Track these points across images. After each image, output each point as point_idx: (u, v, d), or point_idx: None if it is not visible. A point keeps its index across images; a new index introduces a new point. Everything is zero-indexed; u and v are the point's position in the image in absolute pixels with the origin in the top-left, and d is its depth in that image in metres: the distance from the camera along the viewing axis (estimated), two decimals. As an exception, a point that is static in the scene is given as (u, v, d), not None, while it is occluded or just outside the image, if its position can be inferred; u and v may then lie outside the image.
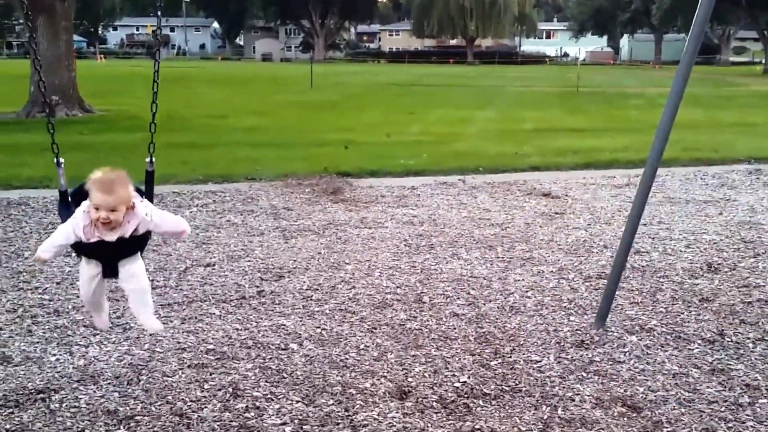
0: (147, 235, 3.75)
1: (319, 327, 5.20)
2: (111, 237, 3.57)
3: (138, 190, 3.73)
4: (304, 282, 6.16)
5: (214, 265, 6.61)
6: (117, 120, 18.26)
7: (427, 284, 6.18)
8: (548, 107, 24.55)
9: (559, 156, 13.11)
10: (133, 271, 3.76)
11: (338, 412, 4.05)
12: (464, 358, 4.74)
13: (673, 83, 4.77)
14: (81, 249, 3.67)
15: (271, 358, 4.68)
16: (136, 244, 3.72)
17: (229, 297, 5.76)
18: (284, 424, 3.91)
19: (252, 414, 4.01)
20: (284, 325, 5.21)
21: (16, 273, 6.17)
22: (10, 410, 3.94)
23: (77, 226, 3.54)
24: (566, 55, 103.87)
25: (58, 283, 5.95)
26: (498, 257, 7.04)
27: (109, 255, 3.67)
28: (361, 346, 4.90)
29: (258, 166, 11.62)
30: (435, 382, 4.42)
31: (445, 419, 4.00)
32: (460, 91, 29.04)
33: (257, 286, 6.02)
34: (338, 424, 3.92)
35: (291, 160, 12.43)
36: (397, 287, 6.09)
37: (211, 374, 4.45)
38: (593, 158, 12.93)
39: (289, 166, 11.76)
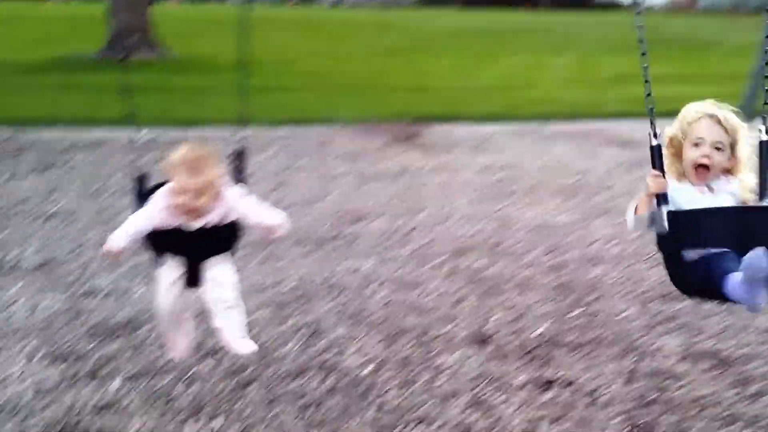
0: (235, 227, 3.20)
1: (396, 270, 5.18)
2: (194, 225, 3.08)
3: (233, 173, 3.31)
4: (380, 226, 6.14)
5: (290, 207, 6.62)
6: (192, 62, 18.42)
7: (504, 232, 6.10)
8: (626, 54, 23.72)
9: (637, 104, 12.65)
10: (219, 278, 3.18)
11: (418, 355, 4.04)
12: (544, 307, 4.66)
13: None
14: (157, 239, 3.15)
15: (350, 300, 4.69)
16: (223, 237, 3.19)
17: (308, 238, 5.78)
18: (364, 364, 3.92)
19: (332, 353, 4.03)
20: (362, 267, 5.21)
21: (100, 209, 6.32)
22: (99, 340, 4.05)
23: (155, 207, 3.08)
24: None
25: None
26: (577, 206, 6.88)
27: (189, 249, 3.14)
28: (439, 292, 4.87)
29: (332, 111, 11.59)
30: (515, 329, 4.37)
31: (526, 366, 3.95)
32: (533, 36, 28.34)
33: (335, 228, 6.03)
34: (418, 366, 3.91)
35: (365, 105, 12.36)
36: (474, 234, 6.02)
37: (290, 314, 4.48)
38: (674, 107, 12.44)
39: (364, 110, 11.69)
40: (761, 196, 2.77)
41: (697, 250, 2.69)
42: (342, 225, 6.14)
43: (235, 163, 3.42)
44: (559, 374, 3.87)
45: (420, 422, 3.42)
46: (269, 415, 3.46)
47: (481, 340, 4.23)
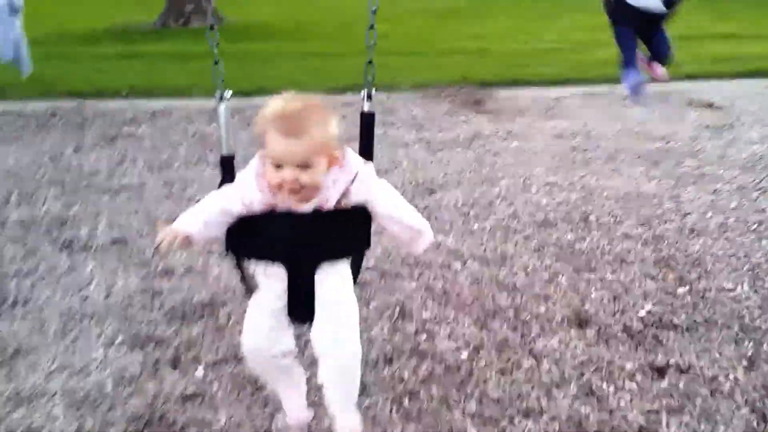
0: (362, 214, 2.32)
1: (481, 245, 4.90)
2: (304, 207, 2.23)
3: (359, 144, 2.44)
4: (458, 197, 5.85)
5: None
6: (249, 29, 18.20)
7: (590, 202, 5.75)
8: (692, 12, 22.78)
9: (716, 64, 12.05)
10: (336, 296, 2.34)
11: (514, 338, 3.77)
12: (645, 284, 4.34)
13: None
14: (244, 233, 2.27)
15: (435, 278, 4.43)
16: (346, 229, 2.30)
17: (383, 211, 5.52)
18: (459, 348, 3.67)
19: (422, 337, 3.78)
20: (444, 242, 4.93)
21: (169, 183, 6.15)
22: (178, 325, 3.86)
23: (245, 186, 2.24)
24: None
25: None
26: (665, 173, 6.48)
27: (293, 246, 2.24)
28: (529, 267, 4.57)
29: (391, 76, 11.24)
30: (616, 309, 4.06)
31: (633, 351, 3.65)
32: (593, -5, 27.44)
33: (409, 201, 5.73)
34: (517, 351, 3.64)
35: (425, 69, 11.97)
36: (558, 204, 5.69)
37: (373, 295, 4.24)
38: (756, 66, 11.81)
39: (423, 75, 11.31)
40: None
41: None
42: (418, 197, 5.86)
43: (361, 129, 2.57)
44: (671, 360, 3.56)
45: (527, 415, 3.16)
46: (361, 407, 3.23)
47: (581, 321, 3.94)
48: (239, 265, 2.56)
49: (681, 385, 3.36)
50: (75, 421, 3.10)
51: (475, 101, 9.58)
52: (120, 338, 3.72)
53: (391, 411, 3.20)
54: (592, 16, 20.65)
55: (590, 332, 3.83)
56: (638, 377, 3.43)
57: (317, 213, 2.24)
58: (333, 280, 2.34)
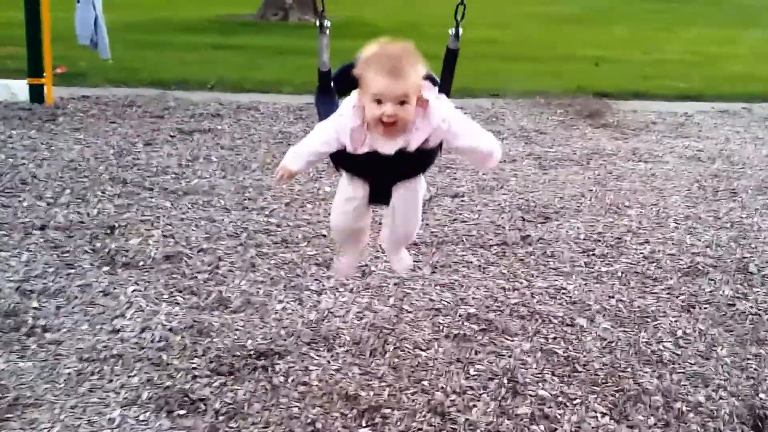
0: (436, 150, 2.63)
1: (613, 296, 3.88)
2: (388, 148, 2.51)
3: (430, 78, 2.58)
4: (578, 228, 4.83)
5: (463, 196, 5.43)
6: (350, 26, 17.47)
7: (745, 245, 4.64)
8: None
9: None
10: (408, 203, 2.76)
11: (667, 442, 2.76)
12: (839, 370, 3.24)
13: None
14: (343, 162, 2.68)
15: (555, 338, 3.45)
16: (422, 161, 2.66)
17: (488, 241, 4.56)
18: (590, 454, 2.68)
19: (542, 427, 2.81)
20: (565, 288, 3.94)
21: (241, 188, 5.35)
22: (223, 380, 3.00)
23: (343, 126, 2.51)
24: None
25: (287, 204, 5.04)
26: (835, 213, 5.28)
27: (381, 174, 2.65)
28: (678, 333, 3.53)
29: (500, 82, 10.23)
30: (803, 405, 2.99)
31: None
32: (714, 8, 25.55)
33: (520, 229, 4.77)
34: (672, 464, 2.64)
35: (537, 76, 10.89)
36: (707, 246, 4.60)
37: (476, 353, 3.29)
38: None
39: (535, 82, 10.23)
40: None
41: None
42: (529, 224, 4.88)
43: (444, 63, 2.77)
44: None
45: None
46: None
47: (758, 420, 2.89)
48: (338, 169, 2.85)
49: None
50: None
51: (592, 113, 8.48)
52: (146, 395, 2.88)
53: None
54: (719, 29, 19.19)
55: (770, 440, 2.78)
56: None
57: (400, 154, 2.52)
58: (408, 185, 2.72)
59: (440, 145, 2.62)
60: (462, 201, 5.32)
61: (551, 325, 3.55)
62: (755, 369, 3.25)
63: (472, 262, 4.23)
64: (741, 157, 6.81)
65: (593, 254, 4.42)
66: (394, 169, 2.62)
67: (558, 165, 6.41)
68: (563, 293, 3.88)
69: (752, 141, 7.49)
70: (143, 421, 2.73)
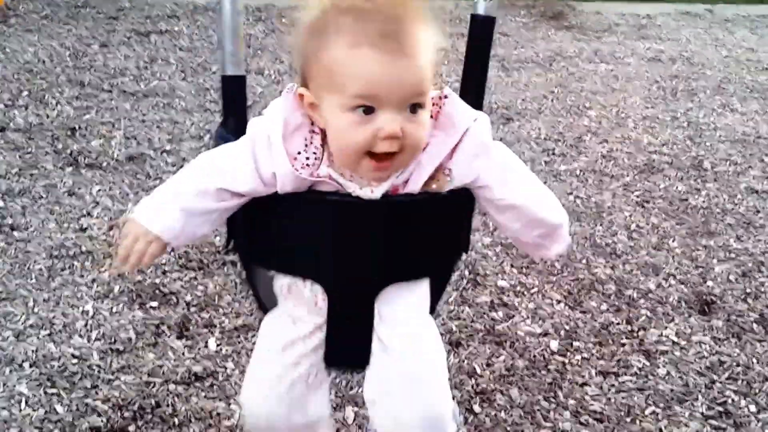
0: (465, 202, 1.43)
1: (571, 193, 3.99)
2: (365, 189, 1.30)
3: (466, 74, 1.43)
4: (539, 129, 4.90)
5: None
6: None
7: (701, 143, 4.77)
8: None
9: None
10: (416, 337, 1.43)
11: (618, 324, 2.91)
12: (783, 258, 3.42)
13: None
14: (266, 225, 1.36)
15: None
16: (437, 227, 1.39)
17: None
18: (546, 334, 2.84)
19: (500, 314, 2.94)
20: (525, 185, 4.03)
21: (202, 90, 5.30)
22: (193, 274, 3.07)
23: (271, 138, 1.29)
24: None
25: (249, 107, 5.00)
26: (786, 112, 5.43)
27: (351, 259, 1.34)
28: (632, 226, 3.67)
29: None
30: (747, 290, 3.17)
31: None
32: None
33: (482, 129, 4.82)
34: (622, 343, 2.80)
35: (500, -23, 10.74)
36: (663, 144, 4.72)
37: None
38: None
39: (498, -17, 10.10)
40: None
41: None
42: (492, 125, 4.91)
43: (470, 43, 1.60)
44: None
45: None
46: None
47: (703, 305, 3.06)
48: (247, 271, 1.61)
49: None
50: (42, 405, 2.36)
51: (555, 15, 8.45)
52: (117, 289, 2.95)
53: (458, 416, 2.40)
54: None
55: (717, 322, 2.95)
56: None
57: (392, 201, 1.25)
58: (403, 307, 1.35)
59: (469, 196, 1.42)
60: (425, 102, 5.34)
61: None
62: (704, 259, 3.41)
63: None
64: (701, 58, 6.89)
65: (553, 153, 4.51)
66: (381, 240, 1.32)
67: (521, 67, 6.42)
68: (523, 190, 3.97)
69: (712, 42, 7.55)
70: (116, 312, 2.80)
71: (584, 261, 3.34)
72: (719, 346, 2.81)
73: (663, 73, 6.33)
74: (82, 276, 3.01)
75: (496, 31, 5.76)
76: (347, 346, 1.35)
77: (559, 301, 3.03)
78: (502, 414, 2.43)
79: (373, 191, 1.27)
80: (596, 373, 2.63)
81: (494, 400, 2.48)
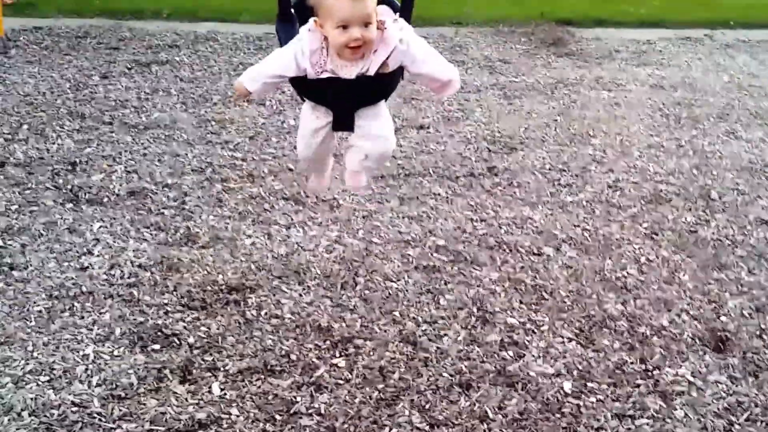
0: (397, 74, 2.50)
1: (578, 225, 3.94)
2: (349, 72, 2.40)
3: (388, 3, 2.49)
4: (543, 158, 4.86)
5: (428, 127, 5.41)
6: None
7: (707, 172, 4.72)
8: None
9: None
10: (375, 131, 2.59)
11: (632, 363, 2.84)
12: (797, 292, 3.36)
13: None
14: (303, 87, 2.55)
15: (522, 267, 3.50)
16: (383, 85, 2.53)
17: (454, 172, 4.57)
18: (559, 375, 2.77)
19: (510, 353, 2.87)
20: (531, 218, 3.99)
21: (203, 121, 5.26)
22: (196, 314, 3.01)
23: (302, 51, 2.39)
24: None
25: (251, 138, 4.98)
26: (793, 139, 5.39)
27: (343, 99, 2.53)
28: (642, 259, 3.61)
29: (461, 8, 10.09)
30: (762, 326, 3.11)
31: (795, 394, 2.71)
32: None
33: (486, 160, 4.79)
34: (636, 384, 2.73)
35: (499, 3, 10.77)
36: (669, 174, 4.67)
37: (445, 283, 3.34)
38: None
39: (497, 10, 10.13)
40: None
41: None
42: (495, 155, 4.89)
43: None
44: None
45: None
46: (431, 458, 2.36)
47: (718, 342, 3.00)
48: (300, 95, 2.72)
49: None
50: (42, 456, 2.29)
51: (555, 41, 8.45)
52: (119, 331, 2.88)
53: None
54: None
55: (733, 360, 2.89)
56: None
57: (360, 79, 2.40)
58: (371, 112, 2.58)
59: (401, 71, 2.48)
60: (428, 132, 5.31)
61: (518, 255, 3.60)
62: (717, 293, 3.35)
63: (439, 194, 4.25)
64: (703, 84, 6.86)
65: (559, 184, 4.46)
66: (356, 93, 2.50)
67: (522, 95, 6.40)
68: (530, 223, 3.92)
69: (714, 68, 7.54)
70: (118, 356, 2.74)
71: (594, 296, 3.28)
72: (736, 386, 2.74)
73: (665, 100, 6.31)
74: (82, 317, 2.95)
75: (497, 59, 5.72)
76: (343, 124, 2.57)
77: (570, 339, 2.97)
78: (516, 460, 2.35)
79: (351, 75, 2.38)
80: (612, 416, 2.56)
81: (509, 445, 2.41)
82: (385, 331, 2.98)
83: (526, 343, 2.94)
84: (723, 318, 3.15)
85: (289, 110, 5.42)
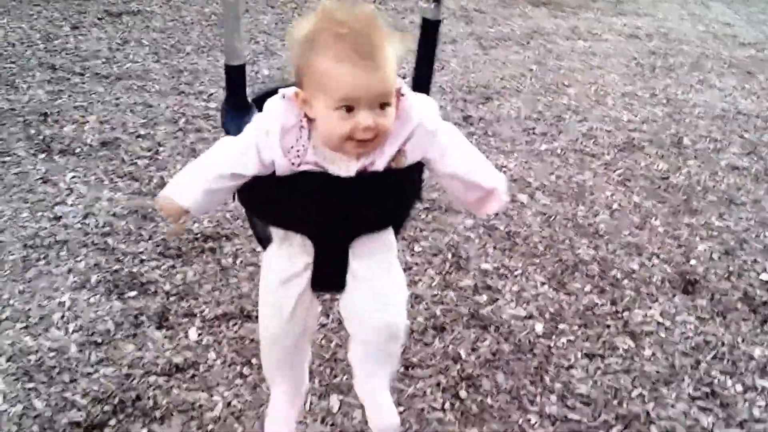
0: (417, 174, 1.73)
1: (552, 173, 3.97)
2: (344, 167, 1.58)
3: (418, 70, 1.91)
4: (518, 107, 4.87)
5: (404, 77, 5.37)
6: None
7: (680, 120, 4.76)
8: None
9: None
10: (380, 286, 1.75)
11: (603, 305, 2.90)
12: (763, 235, 3.42)
13: None
14: (266, 197, 1.66)
15: (496, 215, 3.52)
16: (398, 191, 1.70)
17: (430, 121, 4.56)
18: (531, 317, 2.82)
19: (484, 297, 2.92)
20: (506, 166, 4.01)
21: (176, 72, 5.20)
22: (171, 262, 3.01)
23: (267, 132, 1.56)
24: None
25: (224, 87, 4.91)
26: (763, 87, 5.43)
27: (332, 217, 1.65)
28: (614, 206, 3.66)
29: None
30: (730, 268, 3.17)
31: (759, 331, 2.78)
32: None
33: (461, 110, 4.79)
34: (607, 325, 2.79)
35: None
36: (643, 122, 4.70)
37: (420, 230, 3.37)
38: None
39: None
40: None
41: None
42: (470, 106, 4.88)
43: (421, 44, 1.91)
44: (812, 350, 2.70)
45: (628, 425, 2.33)
46: (404, 395, 2.41)
47: (687, 285, 3.06)
48: (250, 219, 2.08)
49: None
50: (20, 400, 2.31)
51: (533, -10, 8.41)
52: (94, 278, 2.89)
53: (443, 405, 2.38)
54: None
55: (701, 301, 2.95)
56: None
57: (362, 177, 1.59)
58: (372, 249, 1.74)
59: (420, 167, 1.68)
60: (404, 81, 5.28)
61: (493, 201, 3.62)
62: (687, 237, 3.40)
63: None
64: (678, 34, 6.88)
65: (533, 133, 4.48)
66: (355, 206, 1.63)
67: (499, 45, 6.37)
68: (504, 171, 3.94)
69: (689, 17, 7.56)
70: (94, 303, 2.74)
71: (567, 242, 3.32)
72: (704, 326, 2.81)
73: (641, 50, 6.32)
74: (57, 266, 2.94)
75: (473, 8, 5.70)
76: (329, 277, 1.74)
77: (543, 283, 3.02)
78: (489, 399, 2.41)
79: (349, 170, 1.58)
80: (582, 356, 2.62)
81: (480, 386, 2.46)
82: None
83: (500, 287, 2.98)
84: (693, 261, 3.21)
85: (264, 60, 5.37)
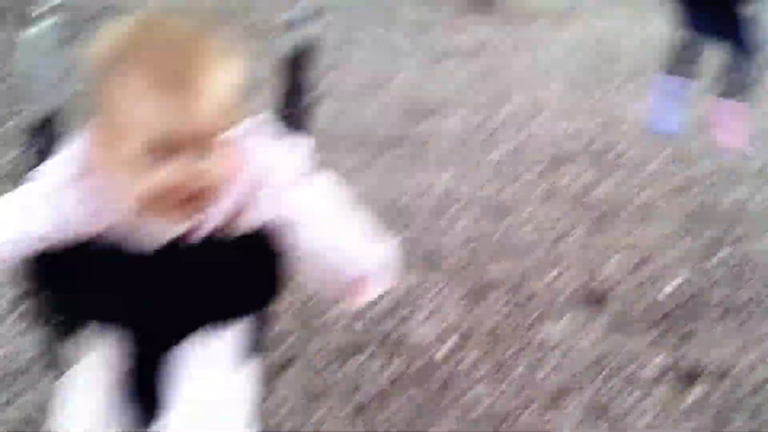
0: (269, 242, 1.24)
1: (481, 187, 4.10)
2: (157, 233, 1.21)
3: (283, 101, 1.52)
4: (458, 122, 5.00)
5: (344, 96, 5.49)
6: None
7: (611, 132, 4.91)
8: None
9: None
10: (209, 384, 1.30)
11: (511, 323, 3.04)
12: (675, 247, 3.58)
13: None
14: (61, 271, 1.21)
15: (422, 232, 3.66)
16: (239, 272, 1.26)
17: (366, 141, 4.67)
18: (440, 338, 2.97)
19: (396, 318, 3.05)
20: (437, 183, 4.14)
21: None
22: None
23: (59, 192, 1.18)
24: None
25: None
26: (698, 98, 5.60)
27: (146, 302, 1.21)
28: (536, 220, 3.80)
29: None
30: (638, 281, 3.32)
31: (657, 345, 2.94)
32: None
33: (401, 127, 4.90)
34: (513, 343, 2.92)
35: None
36: (574, 135, 4.85)
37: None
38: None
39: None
40: None
41: None
42: (410, 121, 5.00)
43: (289, 75, 1.54)
44: (704, 360, 2.85)
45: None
46: (311, 419, 2.53)
47: (595, 299, 3.21)
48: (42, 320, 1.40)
49: (715, 399, 2.66)
50: None
51: (484, 2, 8.54)
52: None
53: (347, 422, 2.51)
54: None
55: (605, 316, 3.11)
56: (664, 386, 2.72)
57: (178, 248, 1.18)
58: (205, 359, 1.27)
59: (275, 238, 1.24)
60: (346, 101, 5.38)
61: (420, 218, 3.76)
62: (600, 253, 3.54)
63: (350, 162, 4.35)
64: (618, 46, 7.03)
65: (469, 146, 4.60)
66: (176, 292, 1.22)
67: (448, 57, 6.49)
68: (435, 187, 4.06)
69: (630, 30, 7.71)
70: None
71: (487, 257, 3.46)
72: (607, 339, 2.95)
73: (581, 61, 6.47)
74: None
75: (422, 23, 5.80)
76: (144, 394, 1.29)
77: (459, 300, 3.15)
78: (392, 417, 2.53)
79: (166, 233, 1.18)
80: (489, 370, 2.75)
81: (387, 406, 2.58)
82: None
83: (419, 303, 3.11)
84: (603, 275, 3.35)
85: None
